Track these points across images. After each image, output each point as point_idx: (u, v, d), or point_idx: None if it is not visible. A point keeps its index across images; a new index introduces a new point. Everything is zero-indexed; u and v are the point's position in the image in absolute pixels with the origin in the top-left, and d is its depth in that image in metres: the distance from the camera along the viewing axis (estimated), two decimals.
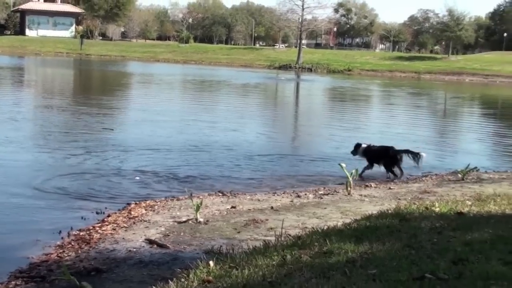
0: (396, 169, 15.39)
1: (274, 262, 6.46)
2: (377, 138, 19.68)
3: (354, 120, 30.25)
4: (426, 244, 6.95)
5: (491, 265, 5.97)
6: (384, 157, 15.43)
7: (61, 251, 8.35)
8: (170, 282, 6.13)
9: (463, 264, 6.06)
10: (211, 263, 6.56)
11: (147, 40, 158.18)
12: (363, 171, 15.13)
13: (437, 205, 9.74)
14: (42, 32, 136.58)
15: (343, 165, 12.76)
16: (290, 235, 8.11)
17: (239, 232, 9.19)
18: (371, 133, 23.79)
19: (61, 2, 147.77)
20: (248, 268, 6.26)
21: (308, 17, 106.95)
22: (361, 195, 12.45)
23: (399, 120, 31.35)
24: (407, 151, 15.42)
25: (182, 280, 6.17)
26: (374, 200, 11.90)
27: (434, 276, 5.60)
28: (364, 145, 15.78)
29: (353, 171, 12.91)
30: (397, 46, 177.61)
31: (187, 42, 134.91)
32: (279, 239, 7.72)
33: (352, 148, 16.04)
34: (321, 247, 6.94)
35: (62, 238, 9.11)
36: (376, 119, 32.47)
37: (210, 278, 6.09)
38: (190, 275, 6.24)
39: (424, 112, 40.03)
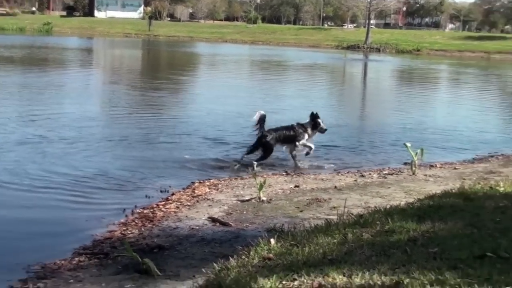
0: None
1: (335, 240, 6.45)
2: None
3: (423, 100, 29.87)
4: (489, 224, 6.85)
5: None
6: None
7: (124, 228, 8.47)
8: (230, 259, 6.18)
9: None
10: (272, 240, 6.58)
11: (215, 21, 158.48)
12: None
13: (501, 184, 9.58)
14: (111, 13, 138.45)
15: (408, 144, 12.69)
16: (352, 214, 8.09)
17: (301, 211, 9.21)
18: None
19: None
20: (309, 246, 6.27)
21: None
22: (425, 175, 12.35)
23: (468, 102, 30.47)
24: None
25: (243, 257, 6.19)
26: (439, 180, 11.79)
27: (495, 254, 5.53)
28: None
29: (418, 150, 12.78)
30: (467, 26, 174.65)
31: (255, 22, 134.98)
32: (341, 217, 7.71)
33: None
34: (383, 226, 6.91)
35: (126, 216, 9.22)
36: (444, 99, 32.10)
37: (271, 255, 6.11)
38: (251, 252, 6.27)
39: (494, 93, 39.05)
